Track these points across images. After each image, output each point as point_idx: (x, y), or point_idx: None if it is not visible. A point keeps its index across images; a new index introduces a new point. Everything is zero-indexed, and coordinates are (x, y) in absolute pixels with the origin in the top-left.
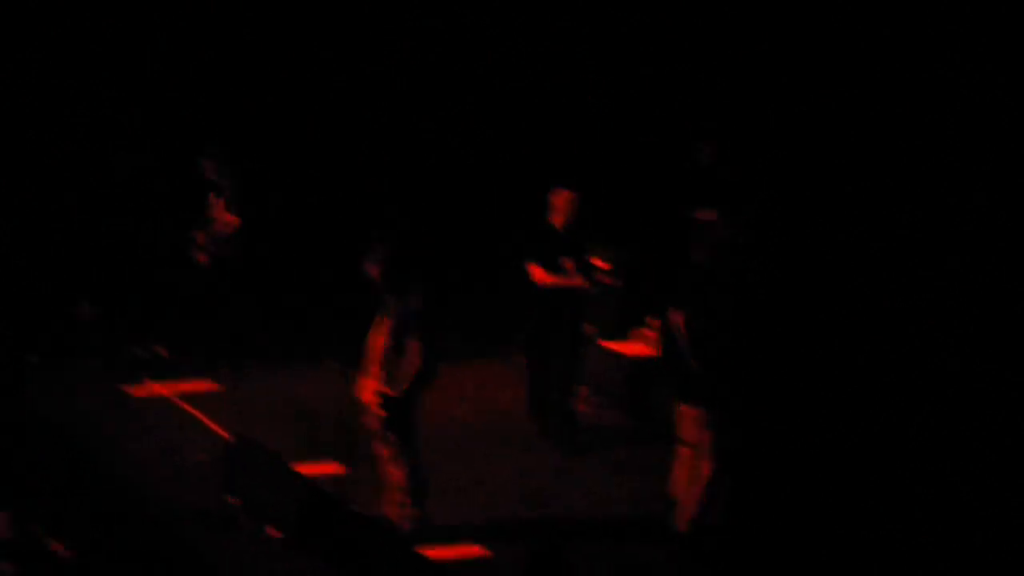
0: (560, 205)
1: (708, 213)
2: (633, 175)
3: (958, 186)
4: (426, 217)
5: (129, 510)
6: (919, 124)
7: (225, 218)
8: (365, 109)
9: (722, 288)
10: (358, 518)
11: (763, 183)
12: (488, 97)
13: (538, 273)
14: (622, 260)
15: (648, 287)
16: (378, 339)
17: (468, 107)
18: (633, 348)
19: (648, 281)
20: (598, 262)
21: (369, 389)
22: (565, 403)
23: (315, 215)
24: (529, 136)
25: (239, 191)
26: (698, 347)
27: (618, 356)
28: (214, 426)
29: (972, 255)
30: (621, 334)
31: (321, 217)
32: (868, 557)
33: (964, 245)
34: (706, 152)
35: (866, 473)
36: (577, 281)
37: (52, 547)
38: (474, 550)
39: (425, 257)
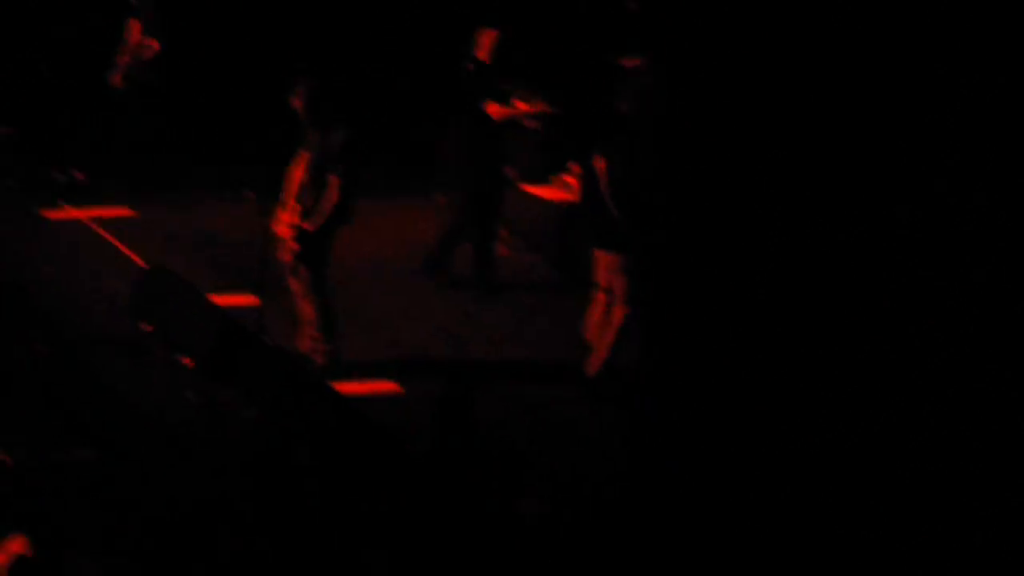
0: (485, 44)
1: (633, 60)
2: (559, 19)
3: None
4: (352, 51)
5: (40, 334)
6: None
7: (145, 42)
8: None
9: (644, 135)
10: (271, 350)
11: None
12: None
13: (493, 108)
14: (546, 104)
15: (571, 132)
16: (297, 173)
17: None
18: (554, 192)
19: (571, 126)
20: (522, 105)
21: (285, 222)
22: (483, 245)
23: (239, 44)
24: None
25: (160, 14)
26: (618, 193)
27: (539, 200)
28: (130, 253)
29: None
30: (543, 178)
31: (245, 46)
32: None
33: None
34: None
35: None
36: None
37: None
38: (384, 387)
39: (349, 92)
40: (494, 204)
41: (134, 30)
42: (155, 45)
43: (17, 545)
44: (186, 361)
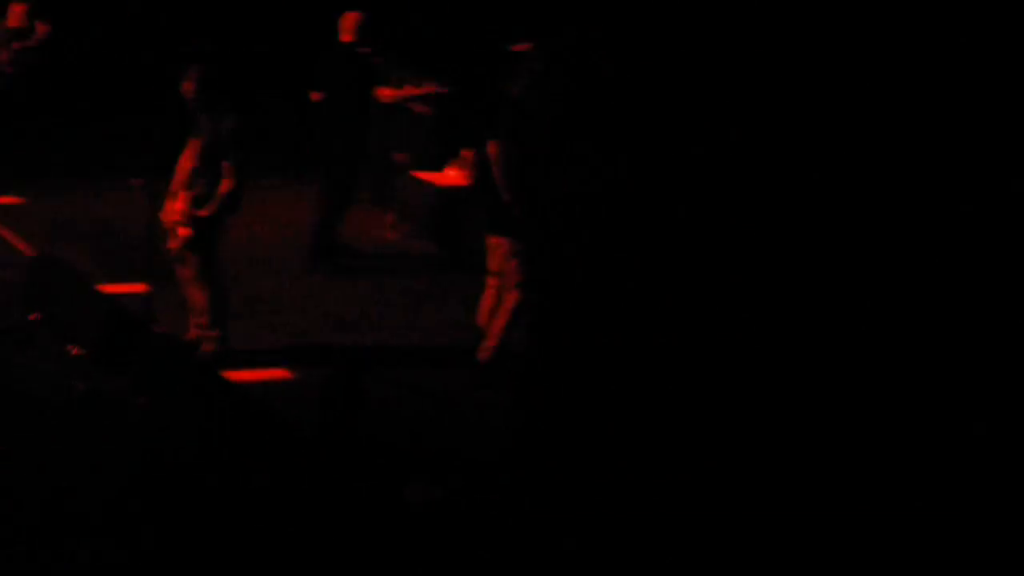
0: (348, 26)
1: (523, 44)
2: (449, 4)
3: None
4: (242, 37)
5: None
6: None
7: (32, 25)
8: None
9: (536, 120)
10: (160, 338)
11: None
12: None
13: (382, 91)
14: (436, 88)
15: (463, 117)
16: (189, 160)
17: None
18: (446, 178)
19: (463, 111)
20: (411, 88)
21: (175, 210)
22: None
23: (125, 29)
24: None
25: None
26: (510, 179)
27: (430, 186)
28: (16, 241)
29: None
30: (435, 164)
31: (132, 31)
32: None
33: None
34: None
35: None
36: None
37: None
38: (274, 373)
39: (240, 76)
40: (351, 190)
41: (15, 14)
42: (43, 29)
43: None
44: (74, 350)
